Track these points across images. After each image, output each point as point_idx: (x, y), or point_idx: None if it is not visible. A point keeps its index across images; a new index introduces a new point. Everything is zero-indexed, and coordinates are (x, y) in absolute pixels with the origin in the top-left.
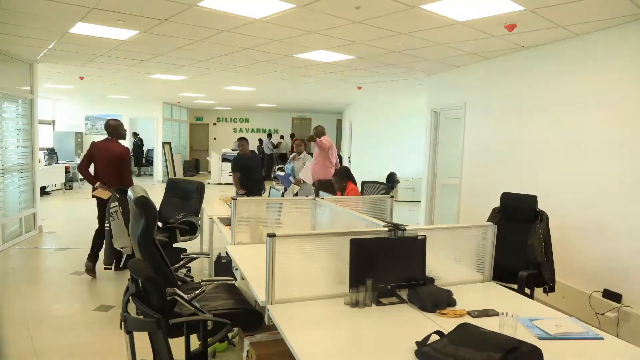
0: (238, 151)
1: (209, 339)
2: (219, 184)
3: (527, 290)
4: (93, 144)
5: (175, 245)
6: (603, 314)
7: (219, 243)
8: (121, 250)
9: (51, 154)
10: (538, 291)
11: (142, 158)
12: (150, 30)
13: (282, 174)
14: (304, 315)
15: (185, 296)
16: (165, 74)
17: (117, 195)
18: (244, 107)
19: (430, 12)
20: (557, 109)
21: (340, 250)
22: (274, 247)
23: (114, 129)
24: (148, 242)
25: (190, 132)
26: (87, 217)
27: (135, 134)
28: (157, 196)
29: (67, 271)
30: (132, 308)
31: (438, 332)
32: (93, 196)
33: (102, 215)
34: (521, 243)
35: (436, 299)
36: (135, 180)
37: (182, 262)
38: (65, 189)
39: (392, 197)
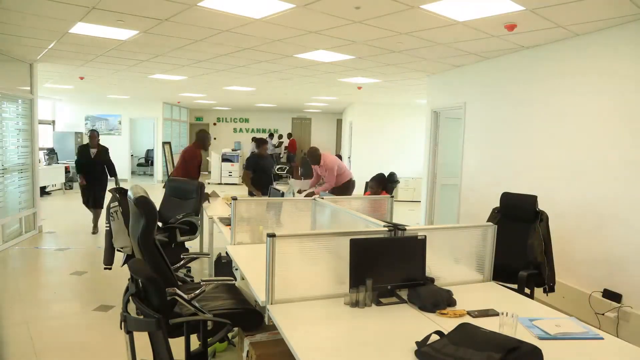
0: (256, 151)
1: (209, 339)
2: (219, 183)
3: (527, 290)
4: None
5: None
6: (603, 314)
7: (219, 243)
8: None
9: (51, 154)
10: (538, 291)
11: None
12: (150, 30)
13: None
14: (304, 315)
15: (185, 296)
16: (165, 74)
17: (117, 195)
18: (244, 107)
19: (430, 12)
20: (557, 109)
21: (340, 250)
22: (274, 247)
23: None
24: (148, 242)
25: (190, 132)
26: (87, 217)
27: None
28: (157, 196)
29: (67, 271)
30: (132, 308)
31: (438, 332)
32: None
33: None
34: (521, 243)
35: (436, 299)
36: (135, 180)
37: (182, 262)
38: (65, 189)
39: (392, 197)
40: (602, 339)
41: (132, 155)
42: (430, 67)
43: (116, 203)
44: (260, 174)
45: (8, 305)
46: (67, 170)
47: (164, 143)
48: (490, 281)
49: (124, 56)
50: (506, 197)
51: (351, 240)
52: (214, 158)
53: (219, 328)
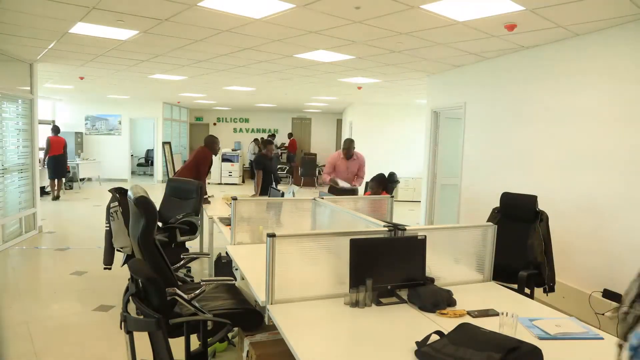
0: (256, 152)
1: (209, 339)
2: (219, 183)
3: (527, 290)
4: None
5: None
6: (603, 314)
7: (219, 243)
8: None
9: None
10: (538, 291)
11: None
12: (150, 30)
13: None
14: (304, 315)
15: (185, 296)
16: (165, 74)
17: (117, 195)
18: (244, 107)
19: (430, 12)
20: (557, 109)
21: (340, 250)
22: (274, 247)
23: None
24: (148, 242)
25: (190, 132)
26: (87, 217)
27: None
28: (157, 196)
29: (67, 271)
30: (132, 308)
31: (438, 332)
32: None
33: None
34: (521, 243)
35: (436, 299)
36: (135, 180)
37: (182, 262)
38: (65, 189)
39: (392, 197)
40: (602, 339)
41: (132, 155)
42: (430, 67)
43: (116, 203)
44: (263, 175)
45: (8, 305)
46: (67, 170)
47: (164, 143)
48: (490, 281)
49: (124, 56)
50: (506, 197)
51: (351, 240)
52: (213, 158)
53: (219, 328)
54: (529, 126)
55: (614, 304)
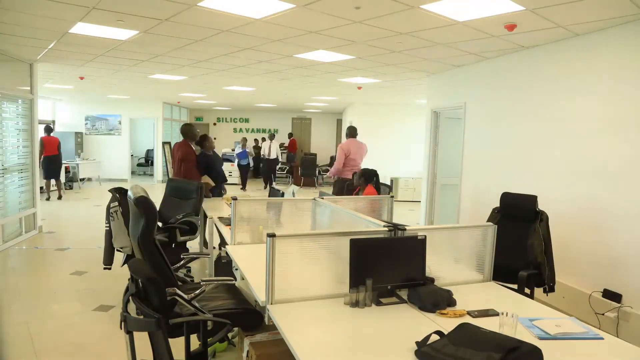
0: (203, 149)
1: (209, 339)
2: None
3: (527, 290)
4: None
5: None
6: (603, 314)
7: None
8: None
9: None
10: (538, 291)
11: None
12: (150, 30)
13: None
14: (304, 315)
15: (185, 296)
16: (165, 74)
17: (117, 195)
18: (244, 107)
19: (430, 12)
20: (557, 109)
21: (340, 250)
22: (274, 247)
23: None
24: (148, 242)
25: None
26: (87, 217)
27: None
28: (157, 196)
29: (67, 271)
30: (132, 308)
31: (438, 332)
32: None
33: None
34: (521, 243)
35: (436, 299)
36: (135, 180)
37: (182, 262)
38: (65, 189)
39: (392, 197)
40: (602, 339)
41: (132, 155)
42: (430, 67)
43: (116, 203)
44: (209, 174)
45: (8, 305)
46: (67, 170)
47: (164, 143)
48: (490, 281)
49: (124, 56)
50: (506, 197)
51: (351, 240)
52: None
53: (219, 328)
54: (529, 126)
55: (614, 304)
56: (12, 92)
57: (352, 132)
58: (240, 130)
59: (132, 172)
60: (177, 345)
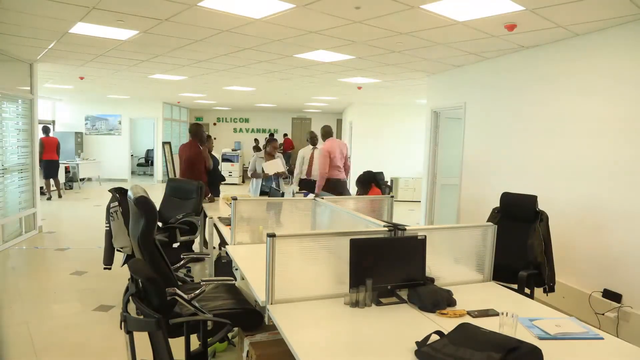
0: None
1: (209, 339)
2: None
3: (527, 290)
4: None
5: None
6: (603, 314)
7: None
8: (121, 250)
9: None
10: (538, 291)
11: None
12: (150, 30)
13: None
14: (304, 315)
15: (185, 296)
16: (165, 74)
17: (117, 195)
18: (244, 107)
19: (430, 12)
20: (557, 109)
21: (340, 250)
22: (274, 247)
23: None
24: (148, 242)
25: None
26: (87, 217)
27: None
28: (157, 196)
29: (67, 271)
30: (132, 308)
31: (438, 332)
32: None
33: None
34: (521, 243)
35: (436, 299)
36: (135, 180)
37: (182, 262)
38: (65, 189)
39: (392, 197)
40: (602, 339)
41: (132, 155)
42: (430, 67)
43: (116, 203)
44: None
45: (8, 305)
46: (67, 170)
47: (164, 143)
48: (490, 281)
49: (124, 56)
50: (506, 197)
51: (351, 240)
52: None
53: (219, 328)
54: (529, 126)
55: (614, 304)
56: (12, 92)
57: (329, 132)
58: (240, 130)
59: (132, 172)
60: (177, 345)
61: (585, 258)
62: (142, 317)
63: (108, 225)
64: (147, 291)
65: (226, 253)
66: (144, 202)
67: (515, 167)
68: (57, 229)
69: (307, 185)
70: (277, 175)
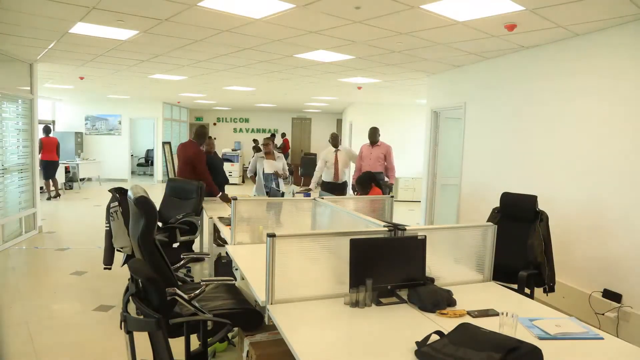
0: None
1: (209, 339)
2: None
3: (527, 290)
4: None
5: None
6: (603, 314)
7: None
8: (121, 250)
9: None
10: (538, 291)
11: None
12: (150, 30)
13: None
14: (304, 315)
15: (185, 296)
16: (165, 74)
17: (117, 195)
18: (244, 107)
19: (430, 12)
20: (557, 109)
21: (340, 250)
22: (274, 247)
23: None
24: (148, 242)
25: (190, 132)
26: (87, 217)
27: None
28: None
29: (67, 271)
30: (132, 308)
31: (438, 332)
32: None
33: None
34: (521, 243)
35: (436, 299)
36: (135, 180)
37: (182, 262)
38: (65, 189)
39: (392, 197)
40: (602, 339)
41: (132, 155)
42: (430, 67)
43: (116, 203)
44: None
45: (8, 305)
46: (67, 170)
47: (164, 143)
48: (490, 281)
49: (124, 56)
50: (506, 197)
51: (351, 240)
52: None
53: (219, 328)
54: (529, 126)
55: (614, 304)
56: (12, 92)
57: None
58: (240, 130)
59: (132, 172)
60: (177, 345)
61: (585, 258)
62: (142, 317)
63: (108, 225)
64: (147, 291)
65: (226, 253)
66: (144, 202)
67: (515, 167)
68: (57, 229)
69: (334, 189)
70: (277, 176)
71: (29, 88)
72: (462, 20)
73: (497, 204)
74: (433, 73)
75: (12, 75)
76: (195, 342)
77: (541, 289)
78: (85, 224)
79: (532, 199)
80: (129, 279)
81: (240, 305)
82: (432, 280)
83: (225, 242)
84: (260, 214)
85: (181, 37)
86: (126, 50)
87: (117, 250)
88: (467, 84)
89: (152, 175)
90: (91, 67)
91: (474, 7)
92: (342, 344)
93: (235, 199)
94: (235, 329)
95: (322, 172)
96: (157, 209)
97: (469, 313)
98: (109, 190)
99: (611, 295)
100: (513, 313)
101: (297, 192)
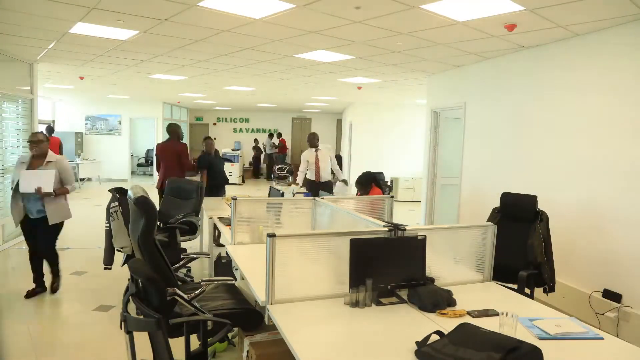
0: (204, 148)
1: (209, 339)
2: None
3: (527, 290)
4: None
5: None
6: (603, 314)
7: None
8: (121, 250)
9: None
10: (538, 291)
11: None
12: (150, 30)
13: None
14: (304, 315)
15: (185, 296)
16: (165, 74)
17: (117, 195)
18: (244, 107)
19: (430, 12)
20: (557, 109)
21: (340, 250)
22: (274, 247)
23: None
24: (148, 242)
25: (190, 132)
26: (87, 217)
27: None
28: (157, 196)
29: (67, 271)
30: (132, 308)
31: (438, 332)
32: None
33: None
34: (521, 243)
35: (436, 299)
36: (135, 180)
37: (182, 262)
38: None
39: (392, 197)
40: (602, 339)
41: (132, 155)
42: (430, 67)
43: (116, 203)
44: (212, 174)
45: (8, 305)
46: None
47: None
48: (490, 281)
49: (124, 56)
50: (506, 197)
51: (351, 240)
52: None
53: (219, 328)
54: (529, 126)
55: (614, 304)
56: (12, 92)
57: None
58: (240, 130)
59: (132, 172)
60: (177, 345)
61: (585, 258)
62: (142, 317)
63: (108, 225)
64: (147, 291)
65: (226, 253)
66: (144, 202)
67: (515, 167)
68: None
69: (317, 187)
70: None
71: (29, 88)
72: (462, 20)
73: (497, 204)
74: (433, 73)
75: (12, 75)
76: (195, 342)
77: (541, 289)
78: (85, 224)
79: (532, 199)
80: (129, 279)
81: (240, 305)
82: (432, 280)
83: (222, 245)
84: (260, 214)
85: (181, 37)
86: (126, 50)
87: (117, 250)
88: (467, 84)
89: (152, 175)
90: (91, 67)
91: (474, 7)
92: (342, 344)
93: (235, 198)
94: (235, 329)
95: (306, 172)
96: (157, 209)
97: (469, 313)
98: (109, 190)
99: (611, 295)
100: (513, 313)
101: (297, 192)
